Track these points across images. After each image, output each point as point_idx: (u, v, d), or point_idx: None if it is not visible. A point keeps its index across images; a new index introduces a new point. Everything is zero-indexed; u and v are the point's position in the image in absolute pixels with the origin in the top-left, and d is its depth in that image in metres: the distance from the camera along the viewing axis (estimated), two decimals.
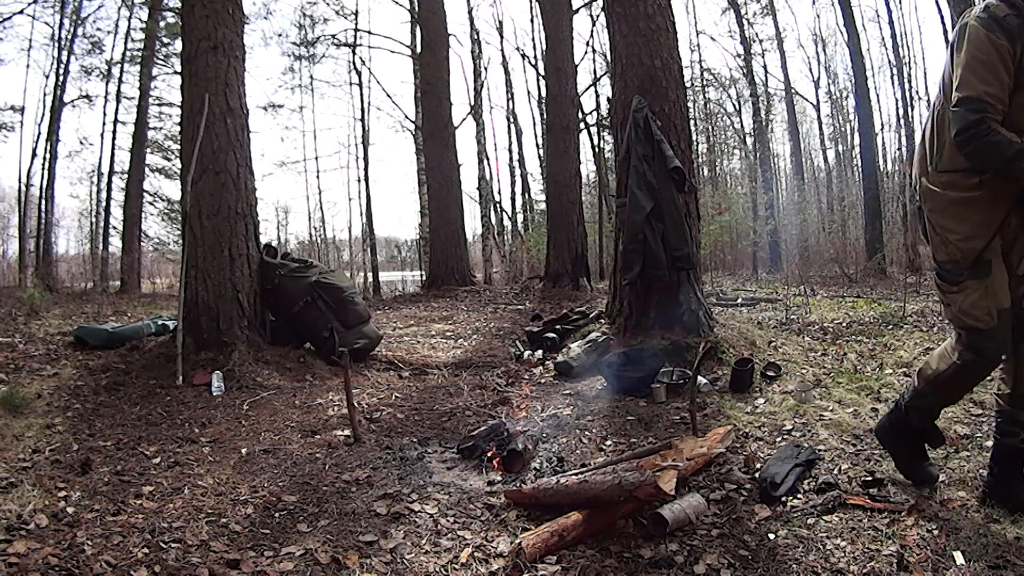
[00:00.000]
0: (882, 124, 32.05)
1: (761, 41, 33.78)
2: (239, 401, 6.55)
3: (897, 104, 30.89)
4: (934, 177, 3.37)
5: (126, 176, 25.76)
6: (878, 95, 45.57)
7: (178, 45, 17.69)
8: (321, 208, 44.70)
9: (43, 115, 25.49)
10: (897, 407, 3.94)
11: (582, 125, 21.39)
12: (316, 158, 37.13)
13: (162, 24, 24.93)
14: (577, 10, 20.78)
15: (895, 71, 29.11)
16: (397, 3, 27.86)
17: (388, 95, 51.80)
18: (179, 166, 11.05)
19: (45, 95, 25.48)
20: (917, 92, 29.43)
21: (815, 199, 35.08)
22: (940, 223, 3.37)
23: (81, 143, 33.22)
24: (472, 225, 33.38)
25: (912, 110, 28.86)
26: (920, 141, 3.56)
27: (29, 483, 4.12)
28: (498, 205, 34.38)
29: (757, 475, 4.07)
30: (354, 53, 29.92)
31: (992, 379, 6.19)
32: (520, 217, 35.24)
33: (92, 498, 3.97)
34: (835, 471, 4.13)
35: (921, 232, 3.58)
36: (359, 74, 30.69)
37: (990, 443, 4.51)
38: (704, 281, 10.45)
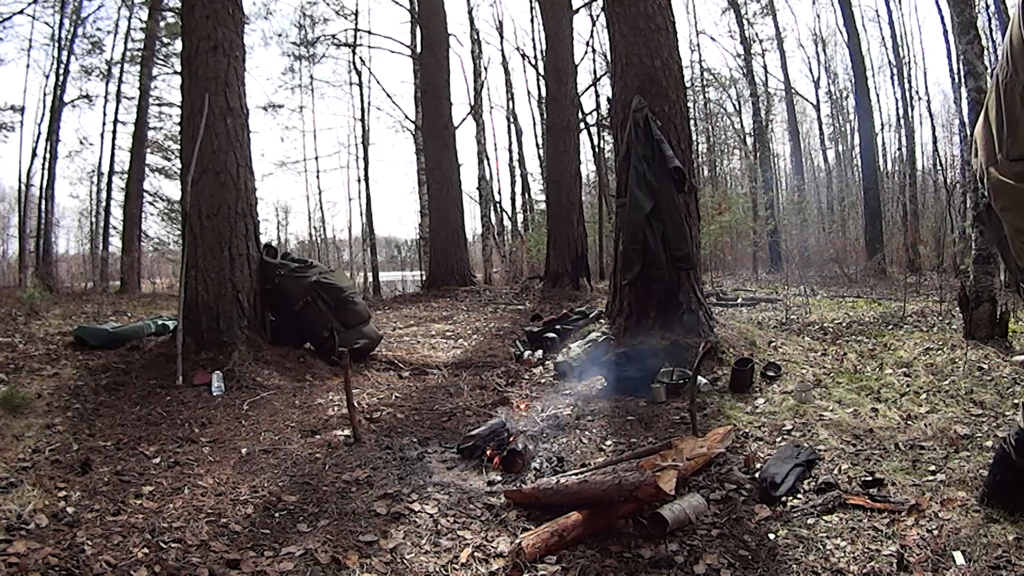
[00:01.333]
0: (882, 124, 32.09)
1: (761, 41, 33.79)
2: (239, 401, 6.55)
3: (897, 104, 30.89)
4: (1005, 167, 2.66)
5: (126, 176, 25.76)
6: (878, 95, 45.51)
7: (178, 45, 17.72)
8: (321, 208, 44.72)
9: (43, 115, 25.53)
10: (1003, 459, 3.33)
11: (582, 125, 21.41)
12: (316, 158, 37.16)
13: (162, 24, 24.93)
14: (577, 10, 20.80)
15: (895, 71, 29.11)
16: (397, 3, 27.84)
17: (388, 95, 51.83)
18: (179, 166, 11.05)
19: (45, 95, 25.51)
20: (917, 92, 29.44)
21: (815, 199, 35.12)
22: (1016, 224, 2.71)
23: (81, 143, 33.14)
24: (472, 225, 33.42)
25: (912, 110, 28.89)
26: (982, 121, 2.82)
27: (29, 483, 4.12)
28: (498, 205, 34.37)
29: (757, 475, 4.07)
30: (354, 53, 29.95)
31: (992, 380, 6.22)
32: (520, 217, 35.25)
33: (92, 498, 3.97)
34: (835, 471, 4.13)
35: (994, 235, 2.95)
36: (359, 74, 30.71)
37: (990, 443, 4.52)
38: (704, 281, 10.47)
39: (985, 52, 10.95)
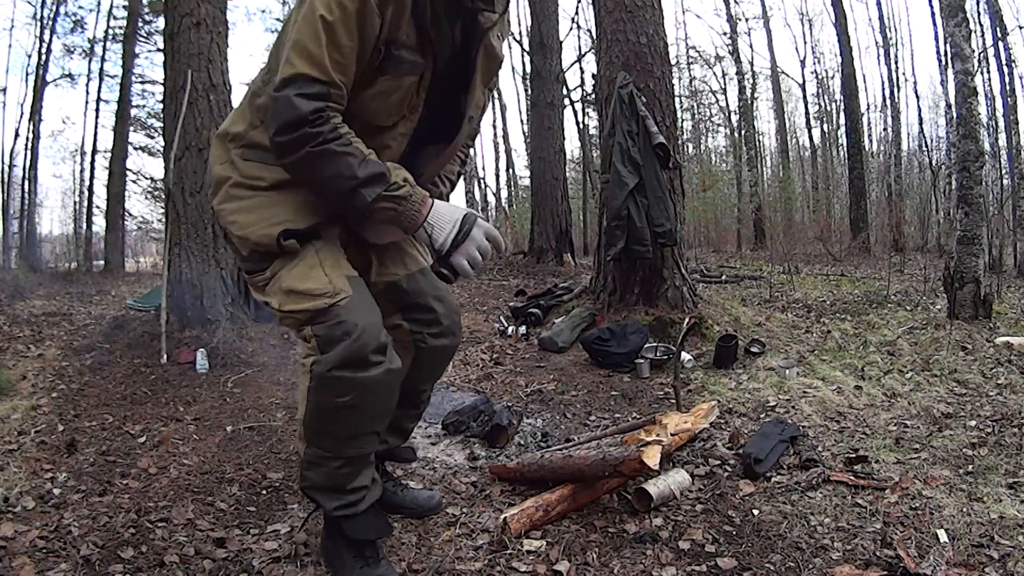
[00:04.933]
0: (868, 105, 32.19)
1: (747, 19, 33.84)
2: (223, 378, 6.54)
3: (883, 85, 31.00)
4: None
5: (109, 155, 25.60)
6: (864, 76, 45.59)
7: (161, 22, 17.60)
8: None
9: (26, 95, 25.35)
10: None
11: (567, 101, 21.34)
12: None
13: (144, 1, 24.71)
14: None
15: (882, 52, 29.14)
16: None
17: None
18: (162, 144, 10.98)
19: (27, 74, 25.38)
20: (904, 73, 29.54)
21: (800, 177, 35.21)
22: None
23: (64, 122, 32.80)
24: (456, 201, 33.34)
25: (898, 91, 28.95)
26: None
27: (15, 465, 4.11)
28: (482, 181, 34.37)
29: (741, 451, 4.09)
30: None
31: (976, 360, 6.26)
32: (504, 193, 35.35)
33: (78, 479, 3.96)
34: (819, 448, 4.16)
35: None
36: None
37: (973, 423, 4.56)
38: (688, 258, 10.49)
39: (972, 35, 10.98)
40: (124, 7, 25.51)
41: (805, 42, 45.82)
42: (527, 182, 26.65)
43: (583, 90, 27.62)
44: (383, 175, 2.35)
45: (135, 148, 26.96)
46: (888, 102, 28.87)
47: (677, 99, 11.69)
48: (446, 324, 3.02)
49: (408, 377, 2.93)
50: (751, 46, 35.08)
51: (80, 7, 29.02)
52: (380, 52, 2.37)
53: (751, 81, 33.74)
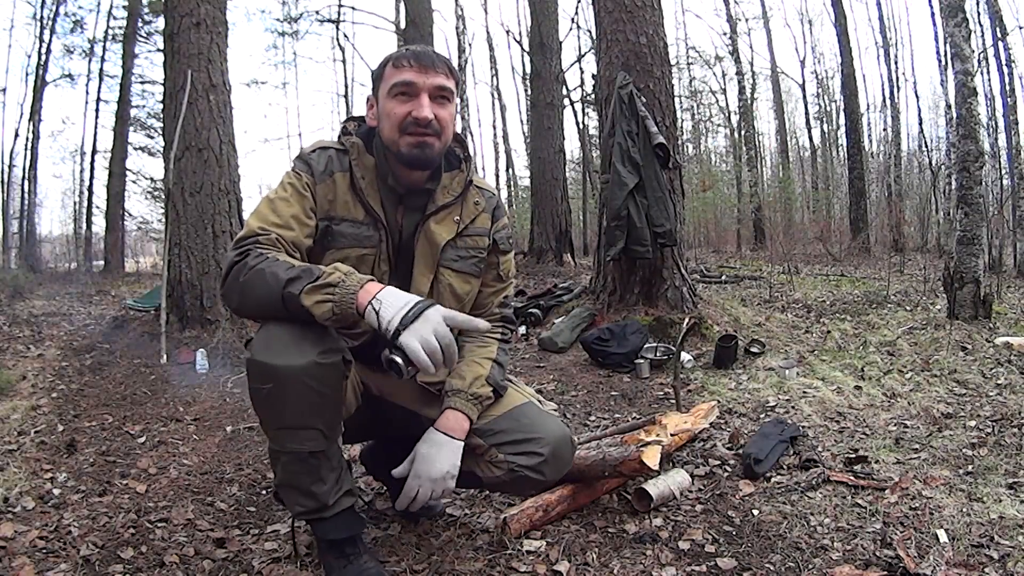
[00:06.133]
0: (868, 105, 32.19)
1: (747, 20, 33.79)
2: (223, 379, 6.55)
3: (883, 85, 30.96)
4: None
5: (109, 155, 25.61)
6: (864, 76, 45.53)
7: (160, 22, 17.61)
8: None
9: (25, 95, 25.34)
10: None
11: (566, 102, 21.32)
12: (300, 135, 37.20)
13: (144, 1, 24.72)
14: None
15: (882, 52, 29.13)
16: None
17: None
18: (162, 144, 10.97)
19: (27, 75, 25.35)
20: (903, 74, 29.52)
21: (799, 178, 35.22)
22: None
23: (63, 122, 32.77)
24: None
25: (898, 91, 28.93)
26: None
27: (15, 465, 4.11)
28: None
29: (741, 451, 4.08)
30: (338, 29, 29.70)
31: (975, 360, 6.26)
32: (504, 193, 35.21)
33: (78, 479, 3.96)
34: (819, 448, 4.15)
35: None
36: (343, 50, 30.57)
37: (973, 423, 4.56)
38: (688, 258, 10.49)
39: (972, 35, 10.98)
40: (124, 7, 25.54)
41: (805, 42, 45.90)
42: (527, 182, 26.65)
43: (583, 90, 27.62)
44: (310, 270, 2.23)
45: (135, 148, 27.00)
46: (888, 102, 28.90)
47: (677, 99, 11.70)
48: (544, 455, 2.78)
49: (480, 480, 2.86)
50: (751, 46, 35.12)
51: (80, 7, 29.07)
52: (321, 228, 2.54)
53: (751, 81, 33.73)
